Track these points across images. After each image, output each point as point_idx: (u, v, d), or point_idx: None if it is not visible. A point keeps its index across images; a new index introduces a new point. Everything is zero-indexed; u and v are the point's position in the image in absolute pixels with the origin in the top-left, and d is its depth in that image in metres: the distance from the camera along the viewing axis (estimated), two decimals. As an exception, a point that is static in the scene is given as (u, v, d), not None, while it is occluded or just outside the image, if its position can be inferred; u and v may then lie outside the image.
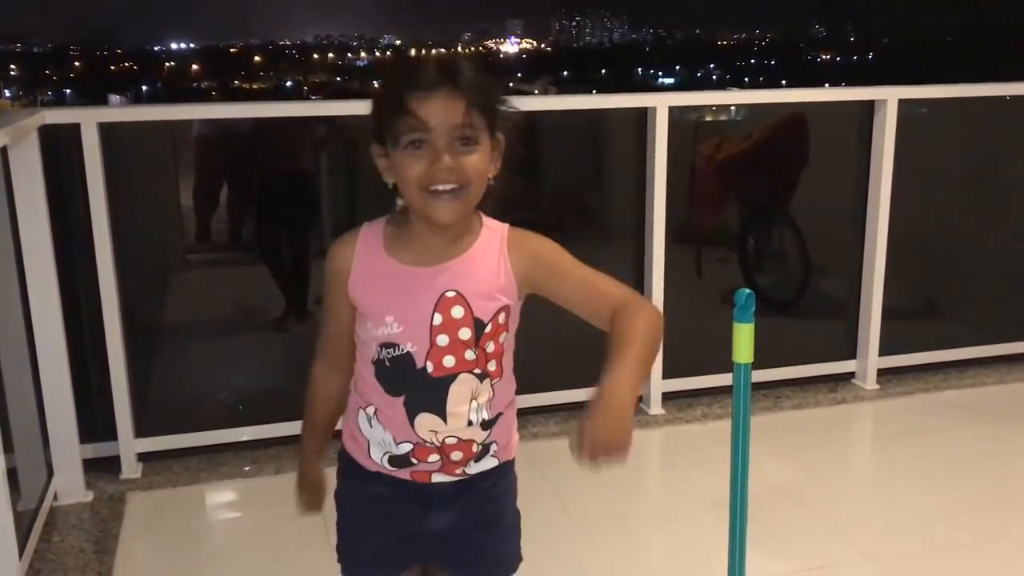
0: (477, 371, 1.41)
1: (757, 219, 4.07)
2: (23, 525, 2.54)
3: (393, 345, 1.39)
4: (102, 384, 3.01)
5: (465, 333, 1.38)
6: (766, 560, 2.52)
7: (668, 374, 3.52)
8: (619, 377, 1.25)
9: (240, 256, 3.66)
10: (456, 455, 1.43)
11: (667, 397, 3.55)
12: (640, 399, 3.55)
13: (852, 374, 3.81)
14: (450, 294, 1.37)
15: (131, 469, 3.04)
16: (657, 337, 1.35)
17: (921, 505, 2.85)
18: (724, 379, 3.64)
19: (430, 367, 1.38)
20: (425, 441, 1.41)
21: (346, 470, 1.53)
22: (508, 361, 1.46)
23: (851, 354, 3.80)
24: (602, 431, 1.20)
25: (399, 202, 1.40)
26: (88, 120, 2.82)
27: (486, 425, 1.44)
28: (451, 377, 1.39)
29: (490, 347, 1.41)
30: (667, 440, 3.38)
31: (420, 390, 1.39)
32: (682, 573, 2.53)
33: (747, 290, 1.31)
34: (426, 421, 1.40)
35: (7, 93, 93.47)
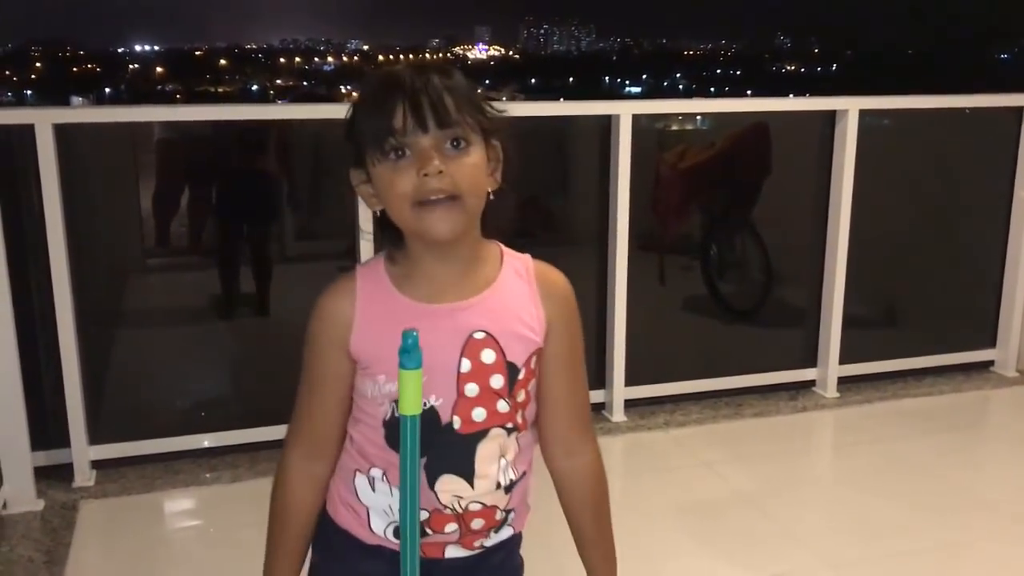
0: (509, 425, 1.22)
1: (720, 227, 4.09)
2: (-30, 534, 2.48)
3: None
4: (55, 389, 2.94)
5: (497, 381, 1.20)
6: (727, 567, 2.53)
7: (631, 381, 3.52)
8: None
9: (200, 261, 3.61)
10: (477, 523, 1.24)
11: (629, 404, 3.55)
12: (603, 407, 3.55)
13: (813, 382, 3.84)
14: (479, 335, 1.19)
15: (84, 477, 2.98)
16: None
17: (880, 512, 2.87)
18: (687, 386, 3.67)
19: (457, 422, 1.20)
20: (446, 507, 1.22)
21: (331, 543, 1.29)
22: (532, 412, 1.28)
23: (812, 362, 3.83)
24: None
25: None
26: (43, 121, 2.76)
27: (509, 488, 1.26)
28: (481, 433, 1.21)
29: (521, 396, 1.23)
30: (629, 447, 3.37)
31: (444, 449, 1.19)
32: (642, 581, 2.52)
33: (414, 332, 1.07)
34: (450, 485, 1.21)
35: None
